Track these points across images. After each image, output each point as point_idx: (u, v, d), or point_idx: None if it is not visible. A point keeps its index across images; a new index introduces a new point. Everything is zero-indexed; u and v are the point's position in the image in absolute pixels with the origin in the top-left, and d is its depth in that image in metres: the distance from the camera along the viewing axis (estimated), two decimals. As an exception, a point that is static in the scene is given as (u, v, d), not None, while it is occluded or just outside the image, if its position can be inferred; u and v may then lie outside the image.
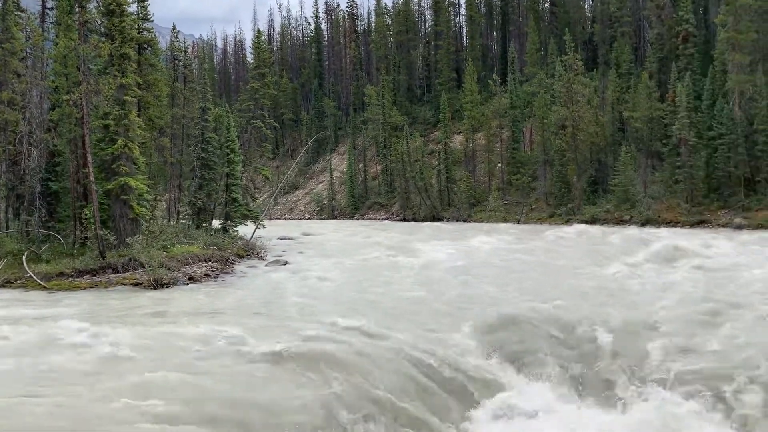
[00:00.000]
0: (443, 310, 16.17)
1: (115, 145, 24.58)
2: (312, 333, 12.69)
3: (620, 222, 49.45)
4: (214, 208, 37.16)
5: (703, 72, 52.61)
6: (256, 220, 38.28)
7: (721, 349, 12.53)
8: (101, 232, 23.39)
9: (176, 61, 40.03)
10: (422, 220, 65.10)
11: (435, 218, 65.67)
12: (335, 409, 9.97)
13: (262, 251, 32.02)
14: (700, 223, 45.00)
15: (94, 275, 22.52)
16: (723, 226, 43.44)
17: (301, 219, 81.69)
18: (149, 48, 32.72)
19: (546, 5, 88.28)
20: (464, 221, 61.84)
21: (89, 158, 23.65)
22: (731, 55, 48.48)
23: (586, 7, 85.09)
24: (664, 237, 32.38)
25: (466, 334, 13.71)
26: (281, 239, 39.68)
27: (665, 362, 12.26)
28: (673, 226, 44.52)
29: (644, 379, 11.89)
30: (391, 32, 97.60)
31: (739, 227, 41.98)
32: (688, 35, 55.77)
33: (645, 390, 11.43)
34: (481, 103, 70.90)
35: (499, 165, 67.08)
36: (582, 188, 55.53)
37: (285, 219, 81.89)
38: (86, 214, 24.62)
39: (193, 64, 76.99)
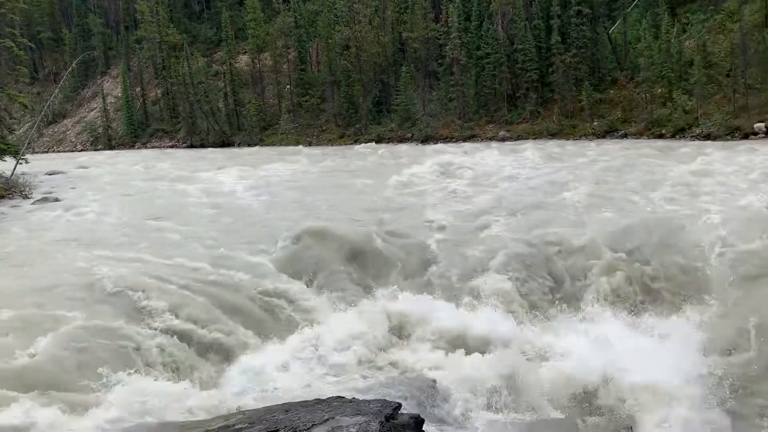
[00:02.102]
0: (233, 234, 16.05)
1: None
2: (89, 270, 11.89)
3: (403, 140, 52.27)
4: (-40, 144, 32.27)
5: (472, -6, 55.94)
6: (16, 154, 33.99)
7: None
8: None
9: None
10: (211, 146, 62.67)
11: (225, 144, 63.65)
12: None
13: (27, 189, 28.73)
14: (471, 138, 49.24)
15: None
16: (490, 139, 48.02)
17: (73, 151, 73.97)
18: None
19: None
20: (256, 145, 60.80)
21: None
22: (494, -22, 52.12)
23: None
24: (438, 152, 34.95)
25: (265, 255, 14.29)
26: (50, 174, 35.81)
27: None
28: (448, 141, 48.25)
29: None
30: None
31: (503, 139, 46.76)
32: (458, -43, 58.60)
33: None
34: (265, 21, 68.63)
35: (288, 87, 66.33)
36: (368, 108, 57.34)
37: (54, 152, 73.67)
38: None
39: None
